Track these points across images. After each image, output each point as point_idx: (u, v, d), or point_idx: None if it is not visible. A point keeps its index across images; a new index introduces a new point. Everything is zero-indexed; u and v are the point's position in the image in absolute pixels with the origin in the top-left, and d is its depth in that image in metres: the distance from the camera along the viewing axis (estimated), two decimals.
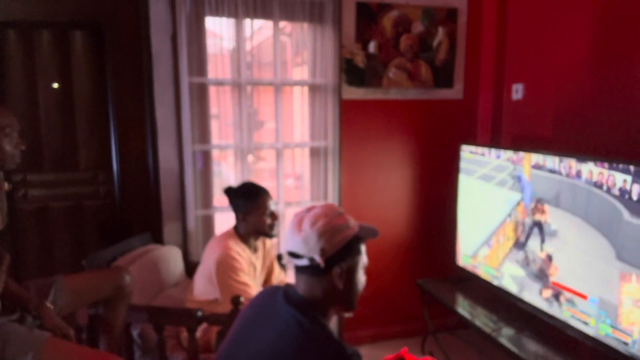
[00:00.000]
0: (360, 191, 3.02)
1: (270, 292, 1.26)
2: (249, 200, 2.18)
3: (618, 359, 1.82)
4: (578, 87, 2.45)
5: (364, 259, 1.22)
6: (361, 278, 1.22)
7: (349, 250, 1.17)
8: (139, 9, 2.56)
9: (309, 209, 1.20)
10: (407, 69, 2.96)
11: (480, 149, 2.61)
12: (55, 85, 2.72)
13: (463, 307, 2.61)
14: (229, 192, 2.24)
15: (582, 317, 1.98)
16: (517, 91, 2.86)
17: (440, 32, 2.98)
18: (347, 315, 1.24)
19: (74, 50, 2.69)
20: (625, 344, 1.79)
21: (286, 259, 1.20)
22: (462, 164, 2.74)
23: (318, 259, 1.13)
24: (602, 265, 1.86)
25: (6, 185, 1.75)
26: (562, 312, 2.08)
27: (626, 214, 1.76)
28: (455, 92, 3.09)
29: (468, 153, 2.70)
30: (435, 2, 2.95)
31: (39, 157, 2.73)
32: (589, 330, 1.95)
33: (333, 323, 2.99)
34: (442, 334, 2.93)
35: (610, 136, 2.27)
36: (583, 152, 2.12)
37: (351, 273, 1.18)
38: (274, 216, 2.21)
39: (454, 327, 3.01)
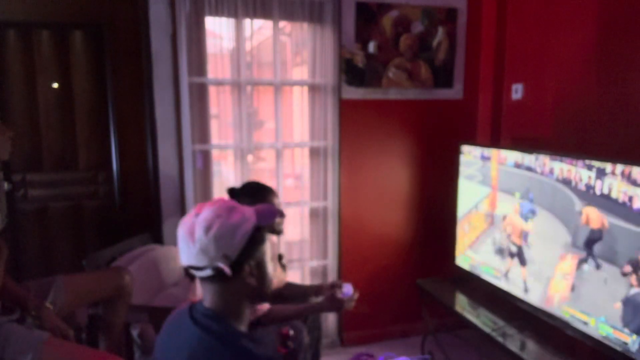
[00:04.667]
0: (360, 191, 3.02)
1: (179, 313, 1.16)
2: (258, 199, 2.18)
3: (618, 359, 1.82)
4: (578, 87, 2.45)
5: (269, 246, 1.13)
6: (270, 267, 1.14)
7: (252, 243, 1.07)
8: (138, 9, 2.57)
9: (197, 213, 1.07)
10: (406, 69, 2.96)
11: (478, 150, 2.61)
12: (55, 85, 2.72)
13: (463, 307, 2.61)
14: (234, 192, 2.24)
15: (582, 317, 1.98)
16: (517, 91, 2.86)
17: (440, 32, 2.98)
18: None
19: (73, 50, 2.69)
20: (625, 343, 1.79)
21: (194, 272, 1.10)
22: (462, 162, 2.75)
23: (222, 266, 1.03)
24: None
25: (6, 185, 1.74)
26: (561, 312, 2.08)
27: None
28: (455, 92, 3.09)
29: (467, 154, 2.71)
30: (435, 2, 2.95)
31: (39, 157, 2.72)
32: (589, 330, 1.95)
33: (330, 321, 3.00)
34: (442, 334, 2.93)
35: (610, 136, 2.27)
36: (582, 152, 2.11)
37: (261, 266, 1.11)
38: (281, 214, 2.22)
39: (454, 327, 3.00)
